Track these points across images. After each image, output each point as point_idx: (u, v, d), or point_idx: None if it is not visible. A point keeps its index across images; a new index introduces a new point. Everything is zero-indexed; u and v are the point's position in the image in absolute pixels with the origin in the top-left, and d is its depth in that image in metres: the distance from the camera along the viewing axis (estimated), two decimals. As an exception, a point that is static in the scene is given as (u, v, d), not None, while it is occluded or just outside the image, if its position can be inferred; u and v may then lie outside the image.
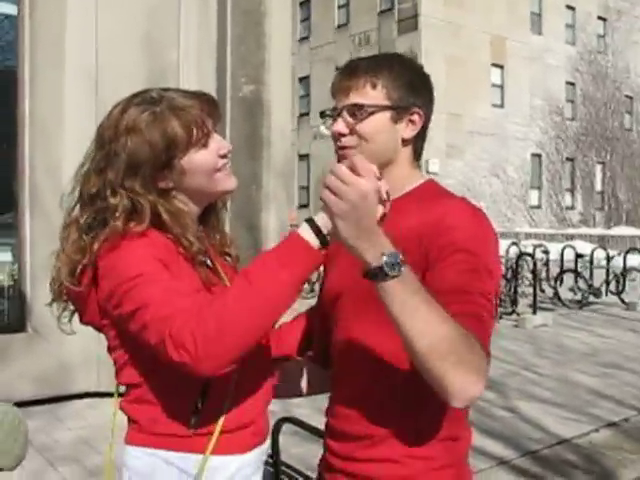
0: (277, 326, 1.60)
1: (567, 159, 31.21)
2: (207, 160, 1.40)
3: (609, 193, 32.89)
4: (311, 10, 30.94)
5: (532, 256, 11.73)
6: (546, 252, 13.63)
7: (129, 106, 1.38)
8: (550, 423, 5.10)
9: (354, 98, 1.43)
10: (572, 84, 31.36)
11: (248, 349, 1.21)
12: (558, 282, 12.00)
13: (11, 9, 5.65)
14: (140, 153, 1.35)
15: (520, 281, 11.29)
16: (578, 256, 12.73)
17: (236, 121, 5.82)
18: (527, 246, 14.59)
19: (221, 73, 5.84)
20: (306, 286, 10.72)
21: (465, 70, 26.30)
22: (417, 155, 1.52)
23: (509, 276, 11.04)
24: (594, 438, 4.83)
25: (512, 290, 10.74)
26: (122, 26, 5.35)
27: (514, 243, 15.24)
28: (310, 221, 1.22)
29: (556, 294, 11.73)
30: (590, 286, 11.80)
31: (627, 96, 33.34)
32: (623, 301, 11.81)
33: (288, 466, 2.49)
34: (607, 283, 12.36)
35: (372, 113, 1.42)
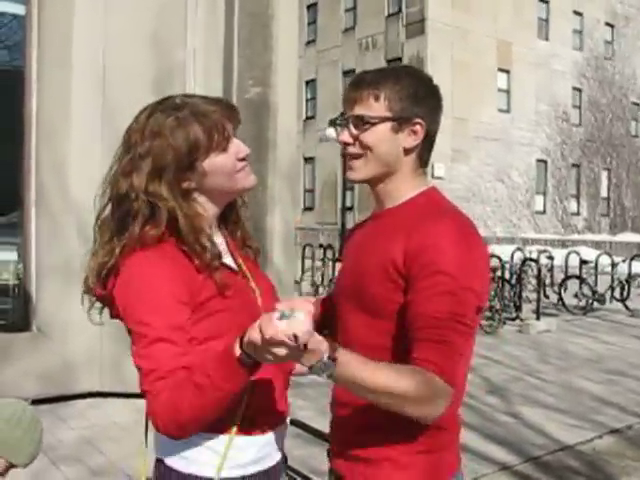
0: None
1: (573, 165, 31.17)
2: (227, 163, 1.49)
3: (614, 199, 32.84)
4: (318, 13, 30.97)
5: (537, 262, 11.72)
6: (551, 258, 13.60)
7: (155, 111, 1.47)
8: (553, 429, 5.09)
9: (358, 110, 1.53)
10: (578, 90, 31.32)
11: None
12: (562, 288, 11.96)
13: (19, 9, 5.66)
14: (164, 156, 1.43)
15: (524, 287, 11.28)
16: (583, 262, 12.71)
17: (242, 123, 5.79)
18: (532, 252, 14.56)
19: (228, 74, 5.84)
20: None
21: (471, 75, 26.29)
22: (423, 162, 1.59)
23: (513, 281, 11.02)
24: (597, 445, 4.81)
25: (516, 295, 10.72)
26: (129, 26, 5.37)
27: (519, 249, 15.23)
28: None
29: (560, 300, 11.71)
30: (594, 292, 11.77)
31: (634, 103, 33.31)
32: (627, 308, 11.78)
33: (291, 469, 2.48)
34: (611, 289, 12.33)
35: (374, 124, 1.51)
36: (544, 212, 30.12)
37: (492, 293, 9.35)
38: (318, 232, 24.72)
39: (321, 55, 30.53)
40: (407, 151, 1.54)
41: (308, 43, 30.92)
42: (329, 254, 13.72)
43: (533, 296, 10.97)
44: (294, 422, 2.45)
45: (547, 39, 29.83)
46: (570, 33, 30.82)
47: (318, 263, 13.66)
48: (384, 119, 1.51)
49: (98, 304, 1.54)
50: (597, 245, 22.47)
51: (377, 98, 1.51)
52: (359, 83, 1.55)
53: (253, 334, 1.21)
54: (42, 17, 5.38)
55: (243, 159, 1.52)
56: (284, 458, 1.61)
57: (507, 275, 11.27)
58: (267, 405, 1.52)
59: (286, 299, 1.31)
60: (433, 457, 1.51)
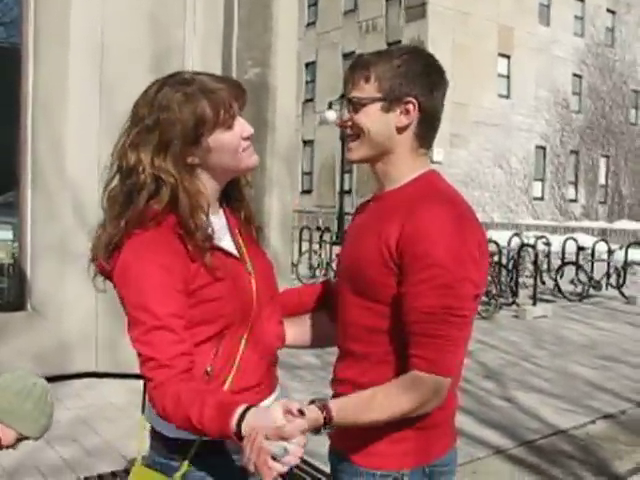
0: (301, 286, 1.95)
1: (571, 152, 31.12)
2: (232, 141, 1.51)
3: (612, 187, 32.84)
4: (318, -5, 30.75)
5: (534, 247, 11.73)
6: (548, 244, 13.63)
7: (164, 86, 1.50)
8: (547, 414, 5.12)
9: (352, 92, 1.57)
10: (579, 76, 31.20)
11: None
12: (559, 274, 12.02)
13: (16, -15, 5.60)
14: (171, 129, 1.46)
15: (521, 272, 11.32)
16: (580, 249, 12.73)
17: (241, 104, 5.76)
18: (529, 237, 14.57)
19: (227, 55, 5.79)
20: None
21: (471, 59, 26.16)
22: (423, 142, 1.58)
23: (510, 267, 11.06)
24: (591, 429, 4.84)
25: (513, 281, 10.75)
26: (128, 4, 5.30)
27: (516, 234, 15.25)
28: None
29: (557, 286, 11.74)
30: (591, 279, 11.79)
31: (633, 90, 33.20)
32: (623, 295, 11.81)
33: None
34: (608, 276, 12.35)
35: (365, 105, 1.54)
36: (542, 198, 30.12)
37: (489, 278, 9.37)
38: (316, 215, 24.66)
39: (321, 37, 30.33)
40: (400, 130, 1.54)
41: (308, 25, 30.70)
42: (326, 237, 13.76)
43: (530, 282, 10.99)
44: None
45: (548, 25, 29.67)
46: (571, 19, 30.65)
47: (315, 246, 13.69)
48: (374, 99, 1.53)
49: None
50: (594, 232, 22.49)
51: (367, 79, 1.54)
52: (353, 66, 1.58)
53: (248, 451, 1.28)
54: (39, -6, 5.32)
55: (247, 138, 1.54)
56: None
57: (504, 260, 11.30)
58: (251, 384, 1.56)
59: (279, 401, 1.39)
60: (428, 433, 1.55)
